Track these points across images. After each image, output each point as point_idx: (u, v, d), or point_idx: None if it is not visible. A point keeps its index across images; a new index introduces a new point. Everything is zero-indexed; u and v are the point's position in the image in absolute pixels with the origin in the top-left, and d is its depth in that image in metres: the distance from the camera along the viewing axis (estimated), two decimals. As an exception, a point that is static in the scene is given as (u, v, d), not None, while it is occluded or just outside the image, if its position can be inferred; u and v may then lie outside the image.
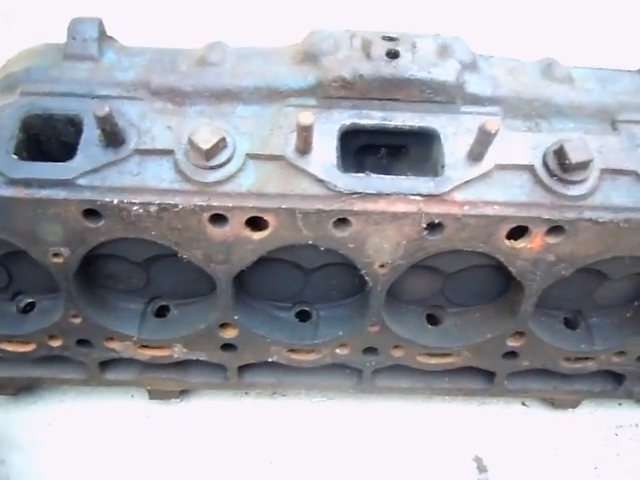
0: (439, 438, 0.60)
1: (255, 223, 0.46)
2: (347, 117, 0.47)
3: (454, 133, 0.47)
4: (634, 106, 0.50)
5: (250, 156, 0.45)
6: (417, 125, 0.47)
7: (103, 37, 0.50)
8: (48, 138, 0.47)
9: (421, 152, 0.49)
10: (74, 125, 0.46)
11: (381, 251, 0.47)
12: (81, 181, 0.44)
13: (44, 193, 0.44)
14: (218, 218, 0.45)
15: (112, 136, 0.44)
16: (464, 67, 0.49)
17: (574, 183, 0.45)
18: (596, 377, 0.60)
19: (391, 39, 0.49)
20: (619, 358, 0.56)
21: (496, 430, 0.60)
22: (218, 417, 0.60)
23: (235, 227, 0.45)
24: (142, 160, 0.45)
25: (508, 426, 0.61)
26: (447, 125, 0.47)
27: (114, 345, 0.54)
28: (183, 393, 0.60)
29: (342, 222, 0.45)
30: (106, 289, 0.53)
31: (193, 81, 0.48)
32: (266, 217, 0.45)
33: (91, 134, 0.45)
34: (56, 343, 0.54)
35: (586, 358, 0.57)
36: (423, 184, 0.45)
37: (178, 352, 0.55)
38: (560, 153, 0.45)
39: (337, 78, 0.47)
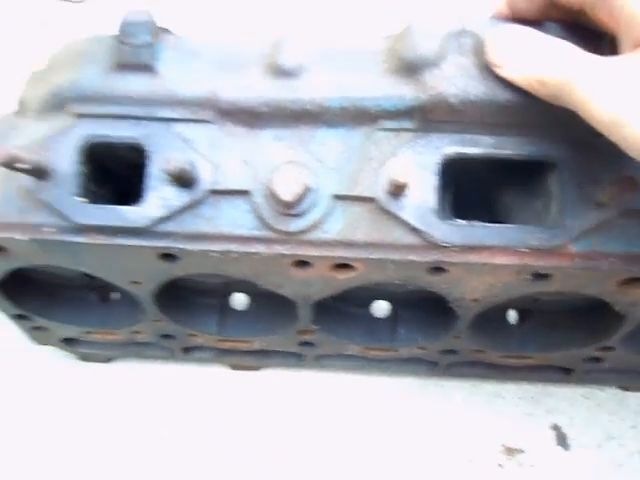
0: (515, 411, 0.61)
1: (341, 266, 0.42)
2: (449, 143, 0.40)
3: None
4: None
5: (337, 197, 0.40)
6: (534, 154, 0.40)
7: (156, 34, 0.41)
8: (112, 163, 0.43)
9: (527, 186, 0.42)
10: (137, 151, 0.41)
11: (475, 290, 0.44)
12: (155, 228, 0.40)
13: (119, 241, 0.41)
14: (302, 263, 0.42)
15: (184, 181, 0.39)
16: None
17: None
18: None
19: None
20: None
21: (572, 402, 0.61)
22: (288, 386, 0.62)
23: (319, 270, 0.42)
24: (217, 201, 0.40)
25: (584, 400, 0.61)
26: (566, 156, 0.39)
27: (197, 339, 0.56)
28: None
29: (437, 270, 0.41)
30: (185, 297, 0.53)
31: (268, 99, 0.40)
32: (353, 264, 0.41)
33: (157, 168, 0.40)
34: (141, 336, 0.56)
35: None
36: (533, 235, 0.39)
37: (257, 345, 0.56)
38: None
39: (441, 102, 0.39)
